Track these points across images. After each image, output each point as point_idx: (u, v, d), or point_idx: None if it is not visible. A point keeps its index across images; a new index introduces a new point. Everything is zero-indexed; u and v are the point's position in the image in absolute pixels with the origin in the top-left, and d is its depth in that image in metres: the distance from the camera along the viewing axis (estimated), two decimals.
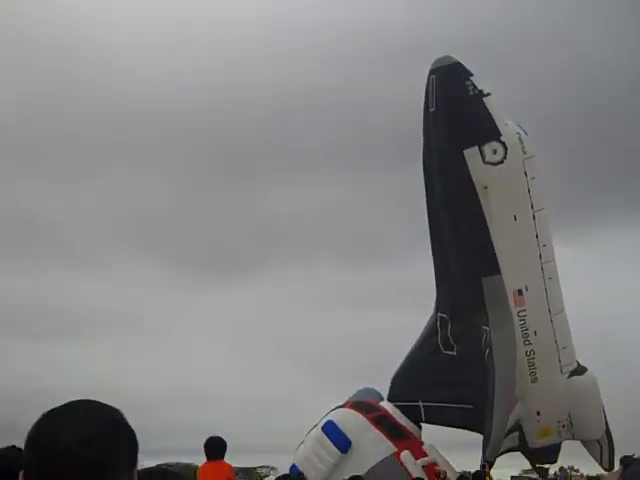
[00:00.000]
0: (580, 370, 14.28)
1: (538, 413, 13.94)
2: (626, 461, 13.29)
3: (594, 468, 17.33)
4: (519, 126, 13.39)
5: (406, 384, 15.61)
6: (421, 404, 15.40)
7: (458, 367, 14.56)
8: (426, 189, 14.17)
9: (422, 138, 13.85)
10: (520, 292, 13.31)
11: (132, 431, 1.78)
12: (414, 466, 13.84)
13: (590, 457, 15.32)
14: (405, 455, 14.10)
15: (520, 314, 13.35)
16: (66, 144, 55.79)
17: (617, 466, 15.12)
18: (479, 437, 15.17)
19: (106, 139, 54.59)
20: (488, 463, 13.34)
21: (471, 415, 14.72)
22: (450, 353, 14.88)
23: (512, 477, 13.60)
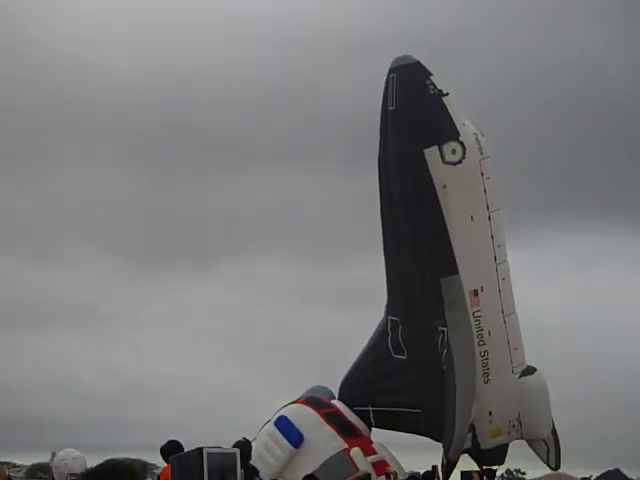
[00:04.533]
0: (530, 370, 14.42)
1: (490, 414, 13.99)
2: None
3: (540, 471, 17.54)
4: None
5: (355, 389, 15.52)
6: (370, 409, 15.34)
7: (408, 371, 14.51)
8: (380, 189, 14.09)
9: (378, 137, 13.78)
10: (476, 292, 13.35)
11: None
12: (364, 463, 13.83)
13: (535, 460, 15.52)
14: (355, 452, 14.11)
15: (475, 314, 13.38)
16: (20, 133, 54.50)
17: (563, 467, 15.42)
18: (428, 440, 15.25)
19: (61, 129, 53.62)
20: (450, 463, 13.34)
21: (420, 420, 14.74)
22: (400, 357, 14.80)
23: (462, 472, 13.63)
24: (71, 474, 5.33)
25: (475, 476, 12.66)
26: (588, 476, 11.84)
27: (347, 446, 14.25)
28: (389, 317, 14.91)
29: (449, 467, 13.41)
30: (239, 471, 6.97)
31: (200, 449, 7.38)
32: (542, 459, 15.21)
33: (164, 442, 9.79)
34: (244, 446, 10.11)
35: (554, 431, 14.94)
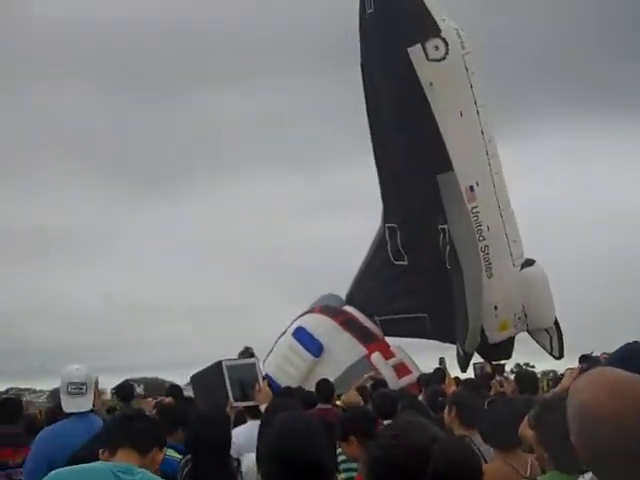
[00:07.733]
0: (529, 262, 14.57)
1: (496, 307, 14.15)
2: (585, 359, 13.23)
3: (547, 364, 17.87)
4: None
5: (360, 300, 15.67)
6: (377, 319, 15.53)
7: (410, 276, 14.63)
8: (365, 94, 13.99)
9: (359, 42, 13.63)
10: (472, 188, 13.38)
11: None
12: (385, 367, 14.08)
13: (540, 353, 15.76)
14: (376, 357, 14.34)
15: (473, 210, 13.44)
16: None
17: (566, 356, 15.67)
18: (433, 342, 15.47)
19: (38, 49, 52.64)
20: (468, 355, 13.53)
21: (426, 323, 14.94)
22: (402, 263, 14.91)
23: (474, 364, 13.89)
24: (71, 383, 5.31)
25: (488, 367, 12.84)
26: (589, 352, 11.95)
27: (367, 352, 14.48)
28: (386, 225, 14.98)
29: (466, 359, 13.61)
30: (261, 381, 7.01)
31: (219, 362, 7.36)
32: (545, 349, 15.44)
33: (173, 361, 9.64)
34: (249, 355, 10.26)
35: (556, 321, 15.19)
